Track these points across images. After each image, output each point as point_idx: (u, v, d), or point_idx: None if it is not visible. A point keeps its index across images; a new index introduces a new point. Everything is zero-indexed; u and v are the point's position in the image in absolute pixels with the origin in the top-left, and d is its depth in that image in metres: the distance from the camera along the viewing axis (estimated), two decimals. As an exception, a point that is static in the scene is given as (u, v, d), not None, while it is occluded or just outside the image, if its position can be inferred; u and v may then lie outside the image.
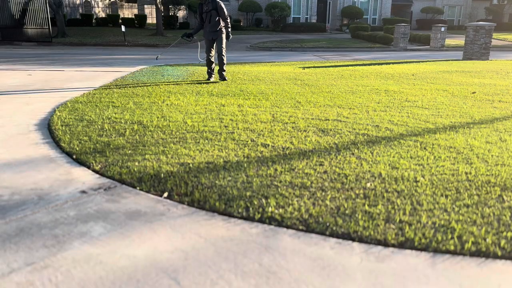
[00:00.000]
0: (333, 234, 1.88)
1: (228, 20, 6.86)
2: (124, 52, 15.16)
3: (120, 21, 28.69)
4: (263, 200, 2.22)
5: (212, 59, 7.07)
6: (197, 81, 6.94)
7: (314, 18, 30.81)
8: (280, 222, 1.99)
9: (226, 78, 7.09)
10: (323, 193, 2.32)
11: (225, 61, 7.01)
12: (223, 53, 6.93)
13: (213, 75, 7.17)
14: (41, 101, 5.04)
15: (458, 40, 21.08)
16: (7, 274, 1.57)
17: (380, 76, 7.91)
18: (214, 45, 6.93)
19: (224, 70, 7.10)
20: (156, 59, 7.61)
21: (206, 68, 7.32)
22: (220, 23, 6.79)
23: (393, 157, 2.97)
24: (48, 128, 3.74)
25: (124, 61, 10.91)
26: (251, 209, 2.12)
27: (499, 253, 1.74)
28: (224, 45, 6.88)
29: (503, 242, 1.82)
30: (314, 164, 2.80)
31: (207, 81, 6.90)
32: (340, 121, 4.07)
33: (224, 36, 6.83)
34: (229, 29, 6.88)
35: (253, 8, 29.21)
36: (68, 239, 1.82)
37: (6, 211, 2.09)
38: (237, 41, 20.05)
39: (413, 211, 2.11)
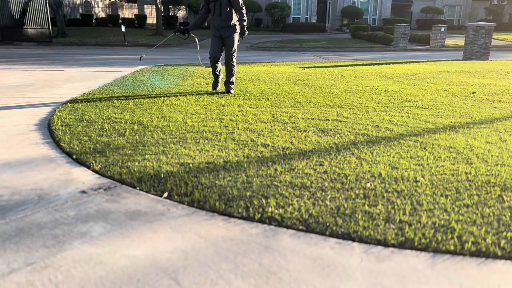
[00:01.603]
0: (333, 234, 1.88)
1: (244, 11, 5.26)
2: (124, 52, 15.16)
3: (120, 21, 28.71)
4: (263, 200, 2.22)
5: (220, 64, 5.58)
6: (197, 81, 6.94)
7: (314, 18, 30.82)
8: (280, 222, 1.99)
9: (232, 91, 5.62)
10: (323, 193, 2.32)
11: (234, 71, 5.57)
12: (234, 61, 5.48)
13: (219, 84, 5.81)
14: (42, 101, 5.04)
15: (458, 40, 21.09)
16: (7, 274, 1.57)
17: (380, 76, 7.91)
18: (223, 46, 5.42)
19: (232, 83, 5.66)
20: (140, 59, 6.33)
21: (206, 68, 6.44)
22: (232, 16, 5.26)
23: (393, 157, 2.97)
24: (48, 128, 3.74)
25: (124, 61, 10.92)
26: (251, 209, 2.12)
27: (499, 253, 1.74)
28: (235, 49, 5.44)
29: (503, 242, 1.82)
30: (314, 164, 2.80)
31: (213, 92, 5.66)
32: (340, 121, 4.07)
33: (236, 36, 5.35)
34: (245, 23, 5.29)
35: (253, 8, 29.22)
36: (68, 239, 1.82)
37: (6, 211, 2.09)
38: (237, 41, 20.02)
39: (413, 211, 2.11)
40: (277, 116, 4.24)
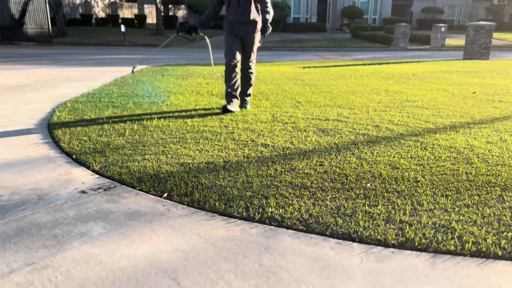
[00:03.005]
0: (333, 235, 1.88)
1: (269, 3, 4.10)
2: (124, 52, 15.16)
3: (120, 21, 28.70)
4: (263, 200, 2.21)
5: (237, 70, 4.30)
6: (197, 81, 6.94)
7: (314, 18, 30.82)
8: (280, 222, 1.98)
9: (248, 106, 4.54)
10: (323, 193, 2.32)
11: (253, 80, 4.44)
12: (252, 68, 4.35)
13: (235, 100, 4.35)
14: (41, 101, 5.04)
15: (458, 40, 21.08)
16: (7, 274, 1.57)
17: (380, 76, 7.91)
18: (242, 48, 4.26)
19: (250, 95, 4.54)
20: (132, 72, 5.13)
21: (221, 77, 5.72)
22: (252, 9, 4.11)
23: (393, 157, 2.96)
24: (48, 128, 3.74)
25: (124, 61, 10.91)
26: (251, 209, 2.12)
27: (500, 253, 1.74)
28: (255, 52, 4.30)
29: (503, 242, 1.82)
30: (314, 164, 2.80)
31: (225, 111, 4.29)
32: (340, 121, 4.07)
33: (258, 36, 4.24)
34: (268, 16, 4.09)
35: (253, 8, 29.18)
36: (68, 239, 1.82)
37: (6, 211, 2.08)
38: (237, 41, 19.99)
39: (414, 211, 2.11)
40: (277, 116, 4.23)
